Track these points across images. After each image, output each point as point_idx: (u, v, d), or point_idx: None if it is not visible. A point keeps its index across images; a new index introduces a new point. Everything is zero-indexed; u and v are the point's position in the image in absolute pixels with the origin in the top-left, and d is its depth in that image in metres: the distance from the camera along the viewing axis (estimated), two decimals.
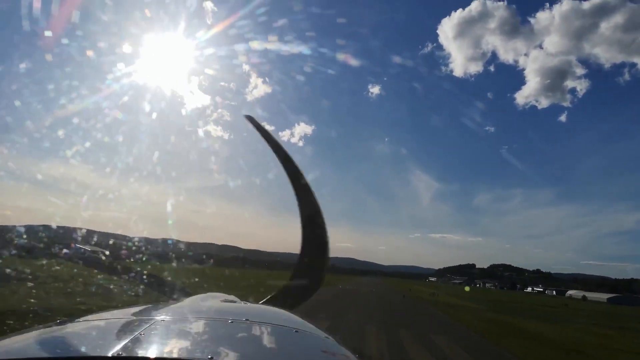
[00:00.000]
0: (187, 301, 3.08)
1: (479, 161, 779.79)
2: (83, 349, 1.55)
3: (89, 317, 2.14)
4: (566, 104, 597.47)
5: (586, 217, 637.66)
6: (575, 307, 73.93)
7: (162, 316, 2.01)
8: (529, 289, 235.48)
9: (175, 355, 1.47)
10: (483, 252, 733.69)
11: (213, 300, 3.13)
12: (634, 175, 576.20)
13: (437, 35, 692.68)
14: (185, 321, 2.05)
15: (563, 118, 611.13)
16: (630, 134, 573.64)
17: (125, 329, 1.81)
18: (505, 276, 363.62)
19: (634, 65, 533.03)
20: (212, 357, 1.39)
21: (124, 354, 1.39)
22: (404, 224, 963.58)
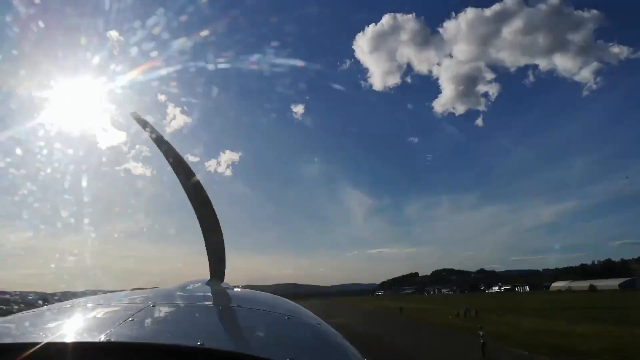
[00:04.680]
0: (179, 286, 2.85)
1: (406, 172, 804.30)
2: (72, 334, 1.56)
3: (79, 301, 2.12)
4: (481, 107, 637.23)
5: (508, 215, 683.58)
6: None
7: (152, 301, 1.98)
8: (495, 288, 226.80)
9: (165, 341, 1.48)
10: (422, 261, 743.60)
11: (205, 286, 3.02)
12: (545, 171, 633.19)
13: (353, 50, 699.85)
14: (176, 306, 2.03)
15: (479, 122, 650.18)
16: (539, 132, 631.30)
17: (116, 313, 1.81)
18: (453, 280, 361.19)
19: (536, 66, 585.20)
20: (202, 343, 1.39)
21: (113, 339, 1.40)
22: (341, 243, 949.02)
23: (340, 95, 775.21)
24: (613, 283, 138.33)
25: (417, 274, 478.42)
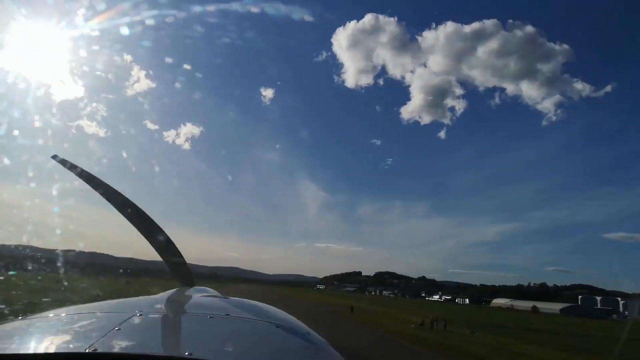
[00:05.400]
0: (166, 295, 2.83)
1: (364, 173, 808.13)
2: (56, 345, 1.50)
3: (63, 310, 2.07)
4: (446, 121, 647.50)
5: (454, 229, 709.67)
6: None
7: (140, 310, 1.92)
8: (436, 297, 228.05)
9: (152, 352, 1.44)
10: (366, 261, 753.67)
11: (193, 295, 2.95)
12: (494, 191, 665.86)
13: (331, 43, 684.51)
14: (164, 316, 2.01)
15: (442, 134, 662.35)
16: (495, 153, 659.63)
17: (102, 323, 1.75)
18: (394, 283, 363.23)
19: (503, 89, 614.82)
20: (190, 353, 1.34)
21: (99, 350, 1.33)
22: (290, 233, 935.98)
23: (311, 86, 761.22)
24: (555, 307, 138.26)
25: (360, 273, 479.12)
